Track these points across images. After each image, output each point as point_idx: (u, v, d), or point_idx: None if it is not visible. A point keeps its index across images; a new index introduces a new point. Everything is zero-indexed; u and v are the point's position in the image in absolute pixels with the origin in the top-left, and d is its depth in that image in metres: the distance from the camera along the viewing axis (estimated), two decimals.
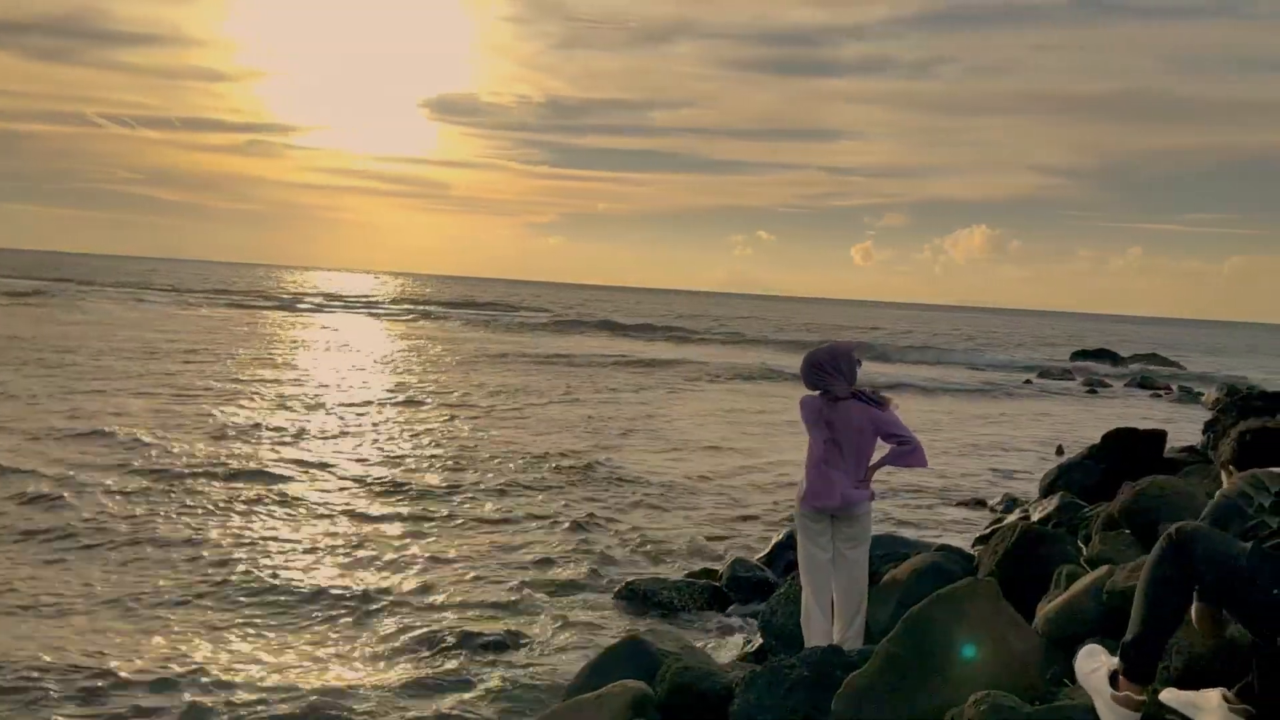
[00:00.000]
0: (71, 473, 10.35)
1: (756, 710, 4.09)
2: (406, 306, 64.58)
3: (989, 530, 9.07)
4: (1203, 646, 3.58)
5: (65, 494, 9.51)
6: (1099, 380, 32.23)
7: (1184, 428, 18.01)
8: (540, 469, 12.34)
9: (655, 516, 10.20)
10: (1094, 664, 3.25)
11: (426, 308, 64.78)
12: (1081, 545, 6.16)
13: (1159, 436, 10.44)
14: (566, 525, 9.58)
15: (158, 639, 6.22)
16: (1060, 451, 15.34)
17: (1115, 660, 3.12)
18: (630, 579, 7.58)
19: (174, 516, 9.09)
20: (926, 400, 24.67)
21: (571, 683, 5.36)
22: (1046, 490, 9.75)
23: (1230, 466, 3.35)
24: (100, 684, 5.52)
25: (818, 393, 5.23)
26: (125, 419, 13.91)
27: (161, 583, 7.31)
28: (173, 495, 9.84)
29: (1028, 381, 31.84)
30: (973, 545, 8.40)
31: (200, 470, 10.99)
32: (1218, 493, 3.19)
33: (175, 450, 11.97)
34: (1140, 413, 23.07)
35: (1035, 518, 8.29)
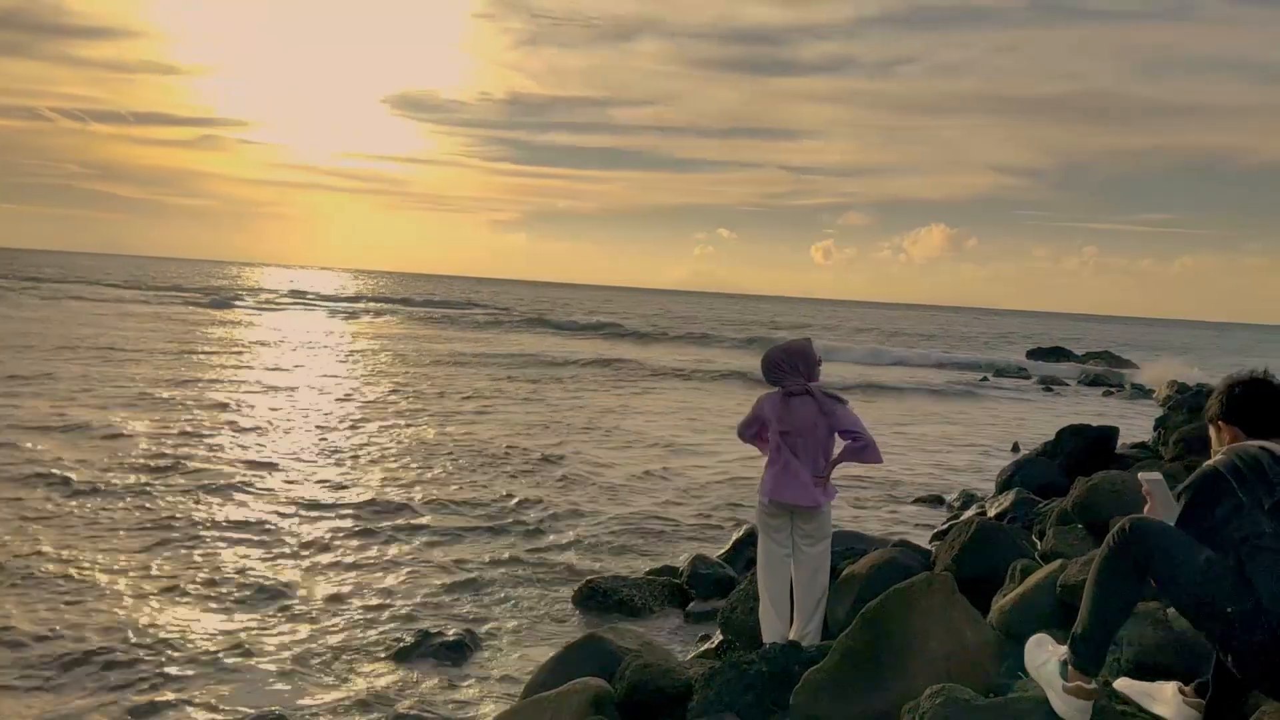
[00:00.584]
0: None
1: (716, 706, 4.11)
2: (364, 305, 63.95)
3: (946, 526, 9.18)
4: (1153, 639, 3.64)
5: None
6: (1053, 378, 32.69)
7: (1135, 424, 18.33)
8: (499, 468, 12.28)
9: (615, 515, 10.18)
10: (1043, 655, 3.26)
11: (384, 305, 64.25)
12: (1036, 540, 6.25)
13: (1111, 433, 10.63)
14: (526, 524, 9.55)
15: (76, 686, 5.98)
16: (1016, 448, 15.54)
17: (1064, 650, 3.13)
18: (590, 577, 7.57)
19: (95, 528, 8.90)
20: (883, 398, 24.87)
21: (532, 680, 5.35)
22: (1002, 486, 9.87)
23: (1219, 422, 3.15)
24: None
25: (777, 389, 5.29)
26: (46, 425, 13.59)
27: (89, 607, 7.16)
28: (94, 504, 9.63)
29: (984, 379, 32.24)
30: (930, 541, 8.49)
31: (136, 471, 10.80)
32: (1207, 462, 3.02)
33: (109, 457, 11.74)
34: (1093, 410, 23.43)
35: (991, 514, 8.40)
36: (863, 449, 5.18)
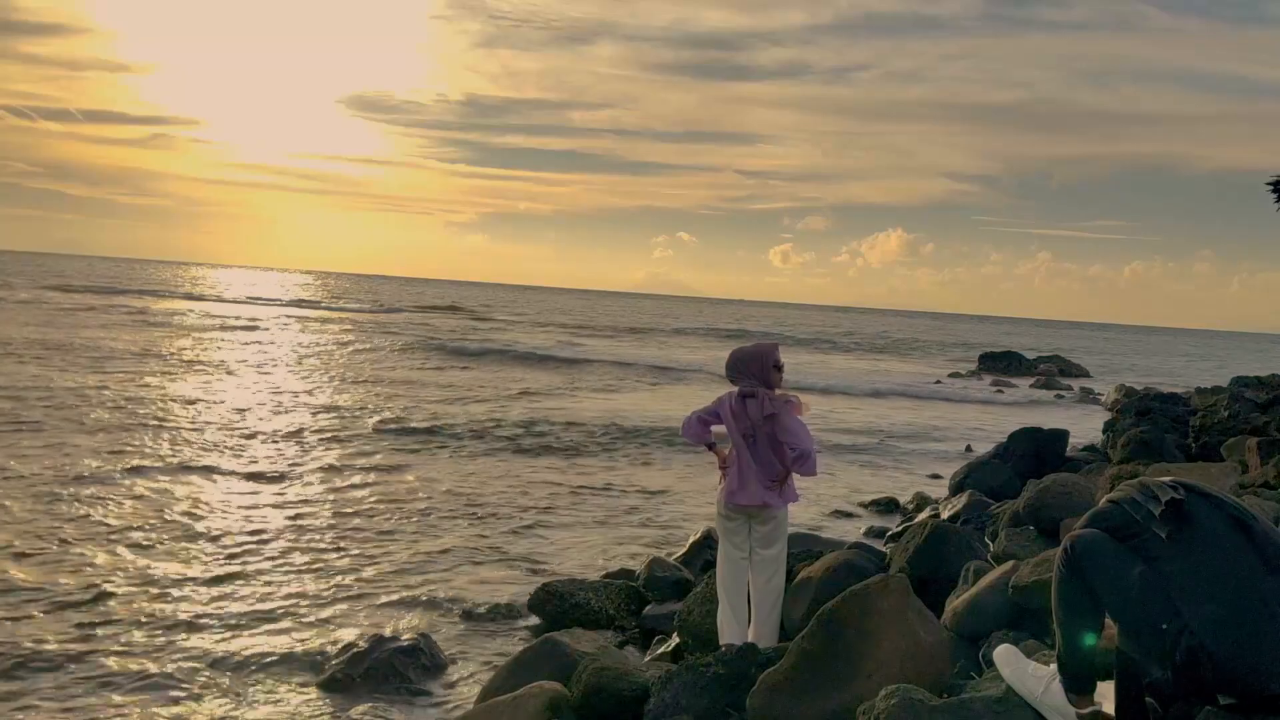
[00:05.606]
0: None
1: (672, 709, 4.10)
2: (334, 309, 63.26)
3: (900, 528, 9.27)
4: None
5: None
6: (1005, 382, 33.15)
7: (1085, 427, 18.63)
8: (453, 470, 12.20)
9: (570, 518, 10.16)
10: (1033, 680, 3.23)
11: (339, 308, 63.63)
12: (989, 542, 6.32)
13: (1061, 436, 10.80)
14: (481, 528, 9.49)
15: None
16: (969, 451, 15.74)
17: (1053, 670, 3.13)
18: (547, 581, 7.53)
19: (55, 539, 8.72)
20: (837, 401, 25.06)
21: (488, 684, 5.33)
22: (955, 489, 9.97)
23: None
24: None
25: (735, 390, 5.32)
26: None
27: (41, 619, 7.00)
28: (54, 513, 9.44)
29: (937, 383, 32.61)
30: (885, 543, 8.57)
31: (70, 484, 10.58)
32: (1105, 498, 3.13)
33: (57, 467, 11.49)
34: (1043, 413, 23.79)
35: (945, 516, 8.48)
36: (796, 459, 5.17)
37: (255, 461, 11.86)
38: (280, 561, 7.99)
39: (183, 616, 6.65)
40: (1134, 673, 2.92)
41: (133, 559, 7.77)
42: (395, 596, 7.35)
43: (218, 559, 7.95)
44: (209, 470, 11.17)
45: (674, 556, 8.10)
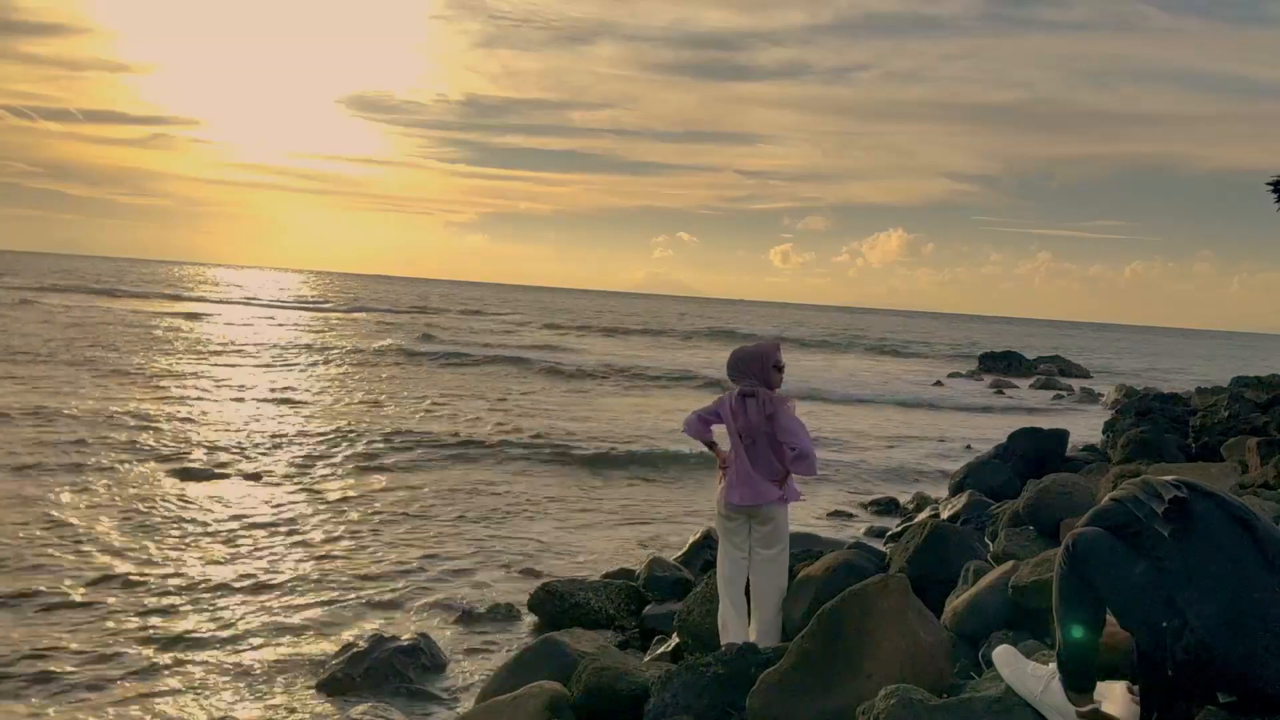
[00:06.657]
0: None
1: (673, 708, 4.10)
2: (335, 310, 63.25)
3: (900, 528, 9.27)
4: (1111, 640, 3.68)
5: None
6: (1005, 382, 33.13)
7: (1085, 427, 18.62)
8: (451, 470, 12.20)
9: (571, 518, 10.16)
10: (1020, 666, 3.23)
11: (333, 308, 63.63)
12: (988, 542, 6.32)
13: (1061, 436, 10.79)
14: (482, 527, 9.50)
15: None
16: (969, 451, 15.72)
17: (1052, 669, 3.13)
18: (546, 581, 7.54)
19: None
20: (838, 402, 25.06)
21: (488, 684, 5.33)
22: (955, 489, 9.97)
23: None
24: None
25: (735, 389, 5.32)
26: None
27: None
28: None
29: (938, 383, 32.59)
30: (885, 543, 8.57)
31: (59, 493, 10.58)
32: (1108, 496, 3.14)
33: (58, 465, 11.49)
34: (1044, 413, 23.79)
35: (944, 516, 8.48)
36: (795, 459, 5.16)
37: (252, 463, 11.86)
38: (279, 562, 8.00)
39: (182, 617, 6.66)
40: (1153, 663, 2.91)
41: (131, 561, 7.77)
42: (395, 596, 7.36)
43: (217, 560, 7.95)
44: (206, 474, 11.16)
45: (674, 556, 8.10)
